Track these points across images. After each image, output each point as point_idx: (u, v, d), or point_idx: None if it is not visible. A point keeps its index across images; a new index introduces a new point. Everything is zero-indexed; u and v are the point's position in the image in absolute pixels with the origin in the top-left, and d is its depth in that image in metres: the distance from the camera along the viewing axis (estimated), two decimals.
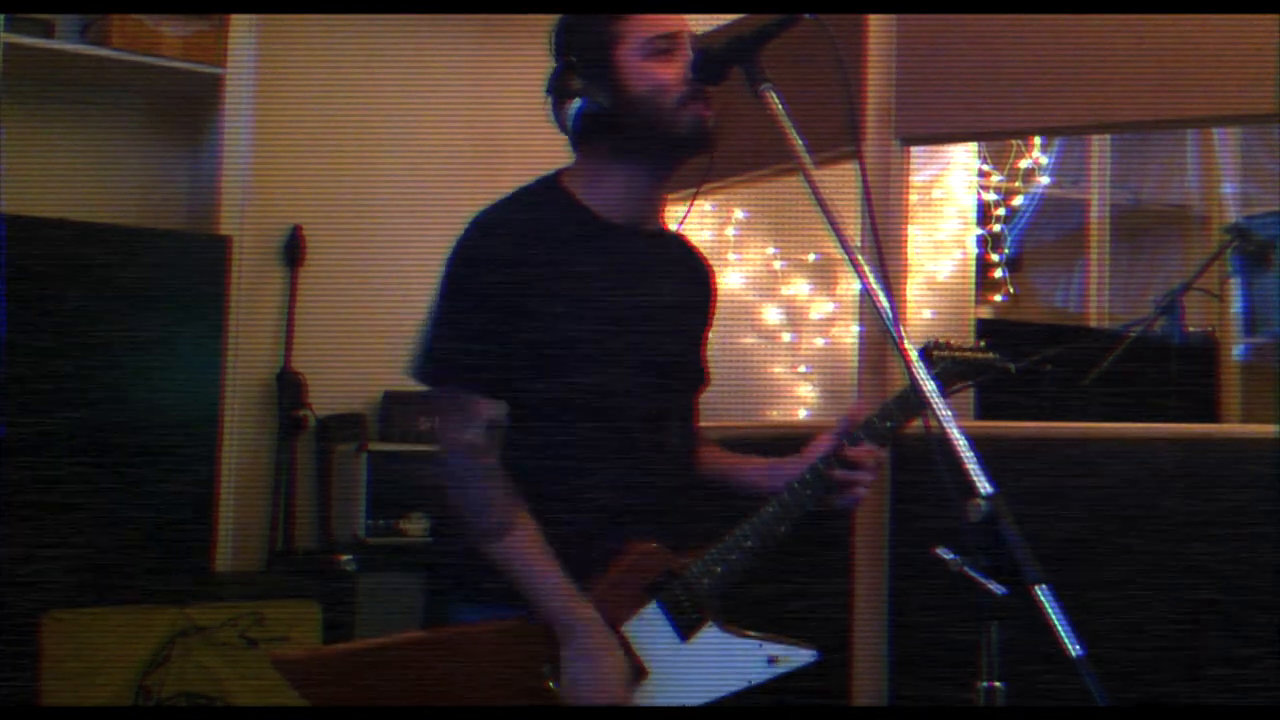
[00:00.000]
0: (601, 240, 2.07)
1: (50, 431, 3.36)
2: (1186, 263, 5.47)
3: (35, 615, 3.26)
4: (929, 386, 1.75)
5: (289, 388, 4.06)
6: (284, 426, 4.08)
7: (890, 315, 1.83)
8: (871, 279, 1.85)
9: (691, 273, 2.28)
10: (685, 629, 1.98)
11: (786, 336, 4.72)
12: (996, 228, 5.37)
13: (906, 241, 3.45)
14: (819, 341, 4.73)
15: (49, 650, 3.28)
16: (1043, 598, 1.57)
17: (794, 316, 4.74)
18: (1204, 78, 2.98)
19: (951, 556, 1.69)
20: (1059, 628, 1.55)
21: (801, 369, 4.70)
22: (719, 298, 2.33)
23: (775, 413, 4.65)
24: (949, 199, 4.93)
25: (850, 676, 3.29)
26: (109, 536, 3.41)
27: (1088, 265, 5.51)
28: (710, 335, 2.29)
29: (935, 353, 2.16)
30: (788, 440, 2.25)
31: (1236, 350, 4.95)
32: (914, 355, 1.78)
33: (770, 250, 4.75)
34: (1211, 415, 4.74)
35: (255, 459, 4.07)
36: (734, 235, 4.70)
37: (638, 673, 1.94)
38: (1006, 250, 5.42)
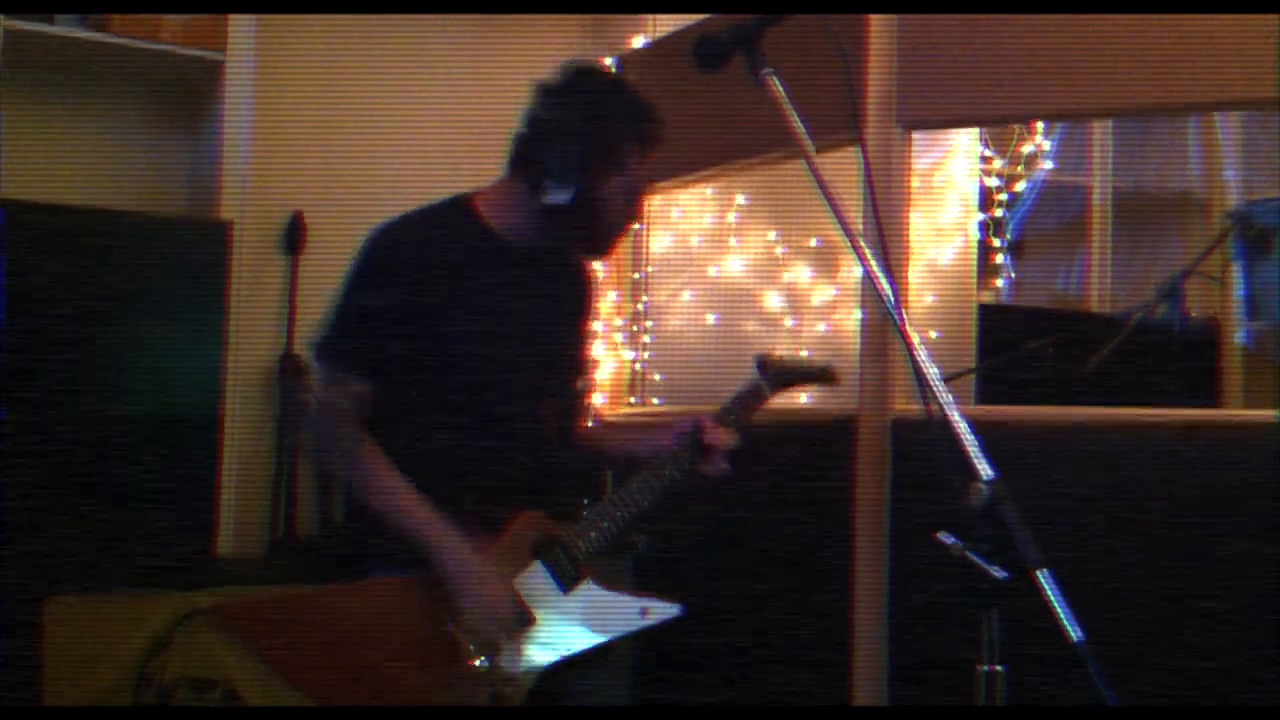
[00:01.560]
0: (496, 255, 2.36)
1: (50, 418, 3.36)
2: (1188, 248, 5.47)
3: (37, 601, 3.27)
4: (931, 372, 1.75)
5: (291, 373, 4.06)
6: (285, 412, 4.08)
7: (892, 300, 1.84)
8: (873, 264, 1.85)
9: (572, 283, 2.56)
10: (566, 584, 2.30)
11: (788, 322, 4.73)
12: (998, 213, 5.37)
13: (908, 227, 3.45)
14: (820, 327, 4.73)
15: (51, 636, 3.28)
16: (1044, 582, 1.58)
17: (795, 302, 4.74)
18: (1205, 62, 2.98)
19: (953, 541, 1.69)
20: (1059, 613, 1.55)
21: (803, 354, 4.70)
22: (596, 299, 2.72)
23: (776, 398, 4.65)
24: (950, 184, 4.92)
25: (851, 656, 3.30)
26: (110, 523, 3.41)
27: (1089, 251, 5.51)
28: (591, 329, 2.67)
29: (769, 363, 2.64)
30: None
31: (1238, 336, 4.95)
32: (915, 340, 1.78)
33: (772, 235, 4.75)
34: (1213, 400, 4.74)
35: (256, 445, 4.07)
36: (735, 220, 4.70)
37: (526, 620, 2.24)
38: (1008, 236, 5.42)
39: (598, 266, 2.68)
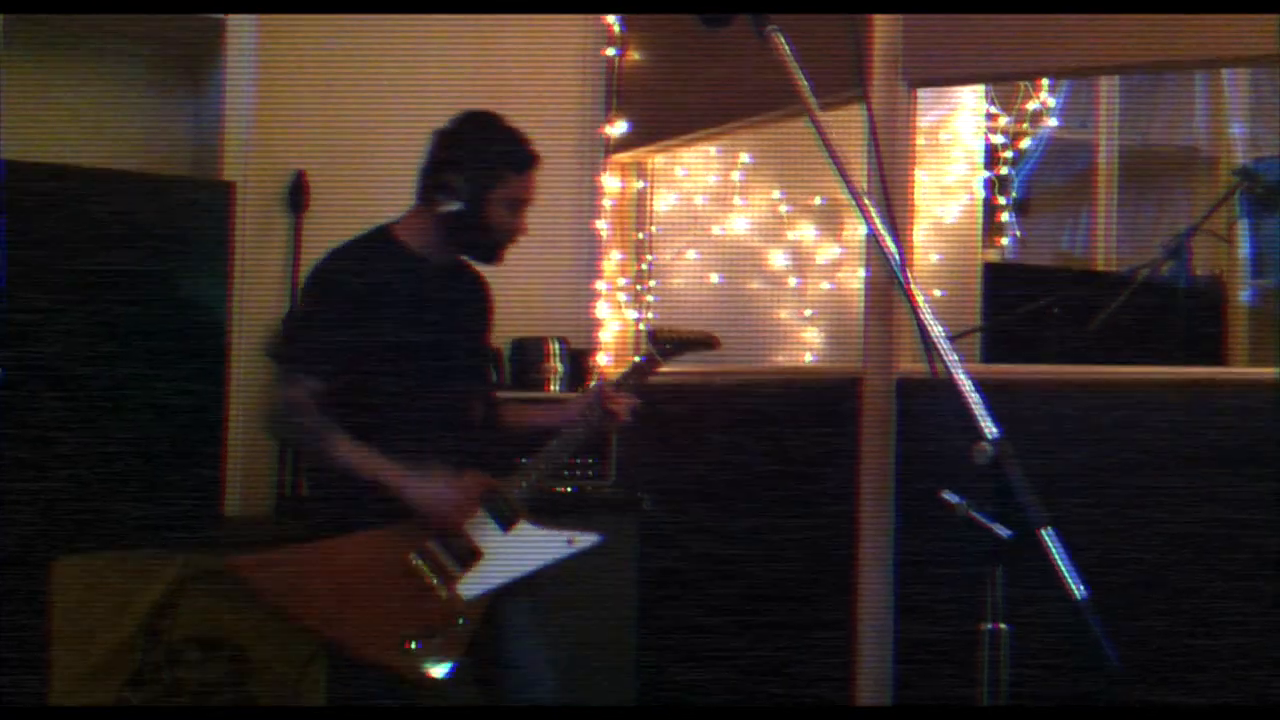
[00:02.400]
0: (416, 272, 2.93)
1: (54, 380, 3.36)
2: (1194, 206, 5.45)
3: (44, 562, 3.28)
4: (936, 331, 1.75)
5: None
6: None
7: (897, 259, 1.83)
8: (878, 223, 1.84)
9: (476, 292, 3.13)
10: (505, 524, 2.88)
11: (792, 281, 4.72)
12: (1003, 171, 5.34)
13: (913, 185, 3.44)
14: (825, 286, 4.72)
15: (58, 596, 3.30)
16: (1047, 541, 1.58)
17: (800, 261, 4.73)
18: (1210, 19, 2.96)
19: (957, 500, 1.69)
20: (1063, 570, 1.56)
21: (807, 314, 4.70)
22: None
23: (781, 357, 4.66)
24: (956, 142, 4.90)
25: (856, 616, 3.31)
26: (118, 484, 3.42)
27: (1095, 208, 5.49)
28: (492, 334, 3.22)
29: (658, 334, 3.12)
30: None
31: (1243, 293, 4.94)
32: (920, 299, 1.78)
33: (776, 194, 4.73)
34: (1218, 358, 4.73)
35: (262, 405, 4.08)
36: (740, 179, 4.69)
37: (474, 554, 2.83)
38: (1013, 193, 5.40)
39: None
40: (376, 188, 3.68)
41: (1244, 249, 4.80)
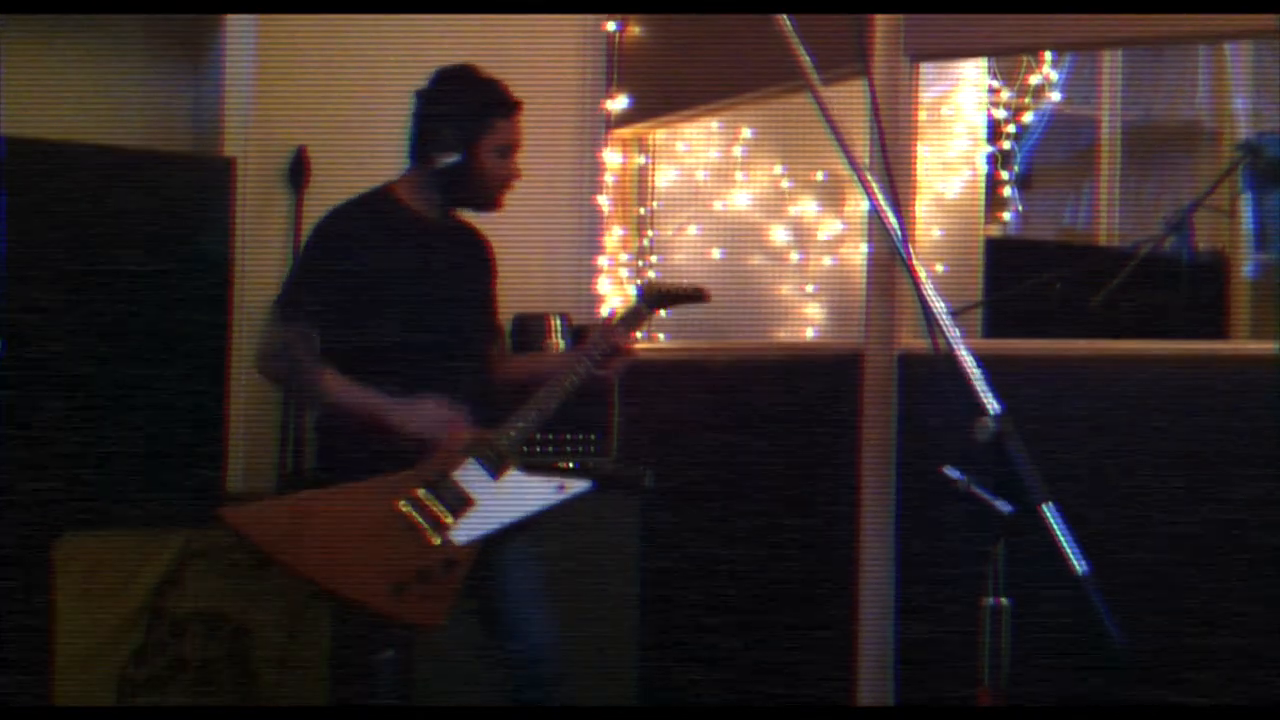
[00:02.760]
0: (414, 229, 3.00)
1: (55, 355, 3.36)
2: (1197, 180, 5.43)
3: (47, 539, 3.29)
4: (938, 306, 1.75)
5: None
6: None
7: (899, 235, 1.83)
8: (880, 198, 1.84)
9: (477, 250, 3.17)
10: (495, 472, 2.89)
11: (794, 256, 4.71)
12: (1006, 145, 5.33)
13: (915, 160, 3.43)
14: (827, 261, 4.72)
15: (62, 574, 3.31)
16: (1049, 516, 1.58)
17: (802, 236, 4.72)
18: None
19: (959, 476, 1.69)
20: (1065, 546, 1.56)
21: (809, 289, 4.70)
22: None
23: (783, 332, 4.66)
24: (958, 117, 4.89)
25: (857, 591, 3.32)
26: (119, 461, 3.42)
27: (1097, 183, 5.48)
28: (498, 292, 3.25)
29: (648, 286, 3.19)
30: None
31: (1246, 268, 4.93)
32: (922, 274, 1.77)
33: (778, 169, 4.72)
34: (1220, 333, 4.73)
35: (264, 382, 4.07)
36: (741, 154, 4.67)
37: (465, 501, 2.85)
38: (1016, 168, 5.39)
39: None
40: (377, 163, 3.68)
41: (1247, 223, 4.79)
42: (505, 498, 2.91)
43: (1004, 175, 5.34)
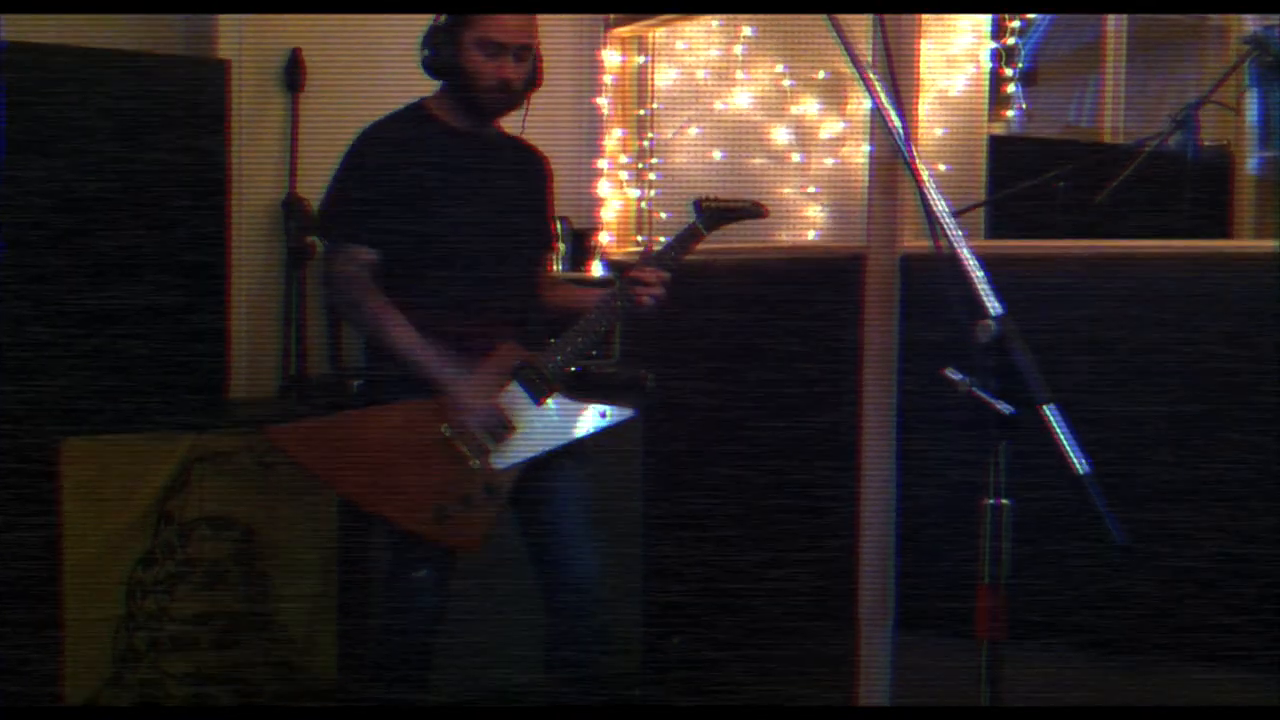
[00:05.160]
0: (452, 142, 2.97)
1: (55, 262, 3.35)
2: (1203, 75, 5.37)
3: (52, 444, 3.31)
4: (940, 207, 1.74)
5: (295, 214, 4.03)
6: (291, 253, 4.06)
7: (901, 134, 1.81)
8: (882, 96, 1.82)
9: (524, 163, 3.13)
10: (538, 397, 2.93)
11: (796, 157, 4.67)
12: (1010, 41, 5.27)
13: (918, 57, 3.39)
14: (829, 162, 4.68)
15: (68, 478, 3.33)
16: (1050, 417, 1.58)
17: (803, 136, 4.68)
18: None
19: (960, 377, 1.69)
20: (1066, 446, 1.56)
21: (811, 190, 4.67)
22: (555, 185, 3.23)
23: (784, 234, 4.63)
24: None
25: (859, 497, 3.34)
26: (123, 367, 3.42)
27: (1102, 79, 5.42)
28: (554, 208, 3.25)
29: (705, 203, 3.08)
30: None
31: (1250, 164, 4.89)
32: (925, 174, 1.76)
33: (779, 68, 4.67)
34: (1224, 231, 4.71)
35: (265, 287, 4.06)
36: (742, 53, 4.62)
37: (507, 426, 2.89)
38: (1020, 65, 5.33)
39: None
40: (373, 64, 3.64)
41: (1252, 118, 4.74)
42: (547, 424, 2.93)
43: (1008, 72, 5.28)
